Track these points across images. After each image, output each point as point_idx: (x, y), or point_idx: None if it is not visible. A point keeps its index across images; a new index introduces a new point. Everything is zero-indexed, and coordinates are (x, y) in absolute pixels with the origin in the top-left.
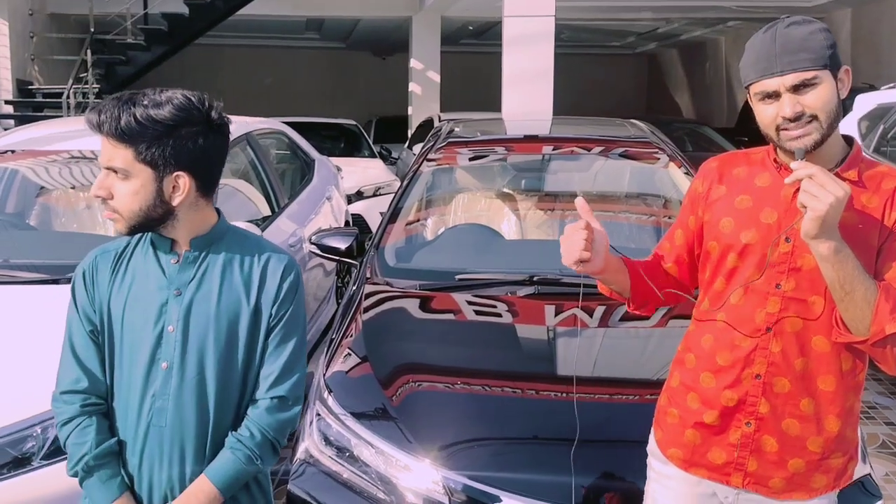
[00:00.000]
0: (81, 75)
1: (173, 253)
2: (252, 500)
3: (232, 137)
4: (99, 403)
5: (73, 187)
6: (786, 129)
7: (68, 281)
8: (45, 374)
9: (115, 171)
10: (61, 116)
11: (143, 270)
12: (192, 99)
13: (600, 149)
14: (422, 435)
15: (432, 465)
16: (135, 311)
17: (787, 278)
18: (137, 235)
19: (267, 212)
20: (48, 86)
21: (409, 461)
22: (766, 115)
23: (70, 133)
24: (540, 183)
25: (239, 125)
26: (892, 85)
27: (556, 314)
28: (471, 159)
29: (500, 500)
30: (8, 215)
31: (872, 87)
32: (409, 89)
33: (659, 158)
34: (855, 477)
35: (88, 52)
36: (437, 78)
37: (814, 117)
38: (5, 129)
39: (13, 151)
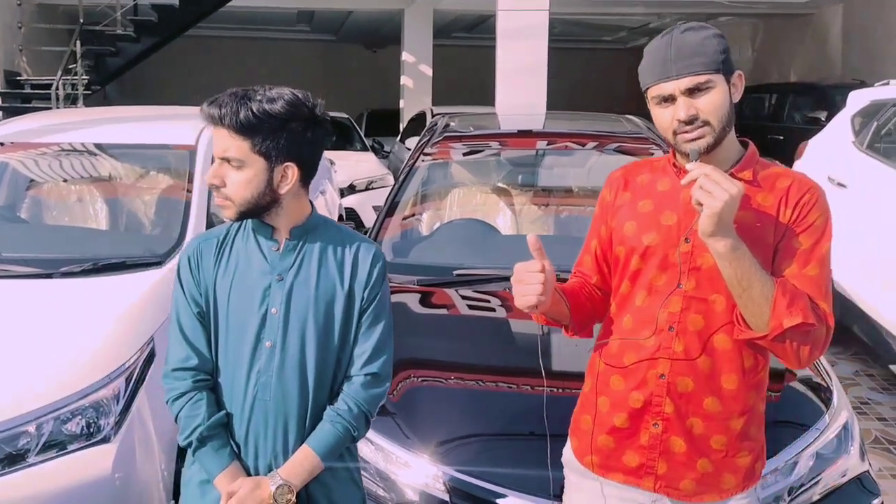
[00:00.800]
0: (70, 66)
1: (274, 240)
2: (345, 466)
3: None
4: (207, 379)
5: (65, 180)
6: (682, 133)
7: (62, 275)
8: (40, 370)
9: (230, 161)
10: (50, 108)
11: (245, 257)
12: (300, 95)
13: (595, 144)
14: (420, 431)
15: (431, 461)
16: (240, 294)
17: (687, 278)
18: (237, 224)
19: None
20: (37, 77)
21: (407, 457)
22: (663, 118)
23: (61, 125)
24: (535, 178)
25: None
26: (885, 82)
27: None
28: (466, 154)
29: (503, 497)
30: None
31: (864, 84)
32: (401, 82)
33: (654, 154)
34: (853, 474)
35: (77, 43)
36: (429, 71)
37: (706, 122)
38: None
39: (2, 144)
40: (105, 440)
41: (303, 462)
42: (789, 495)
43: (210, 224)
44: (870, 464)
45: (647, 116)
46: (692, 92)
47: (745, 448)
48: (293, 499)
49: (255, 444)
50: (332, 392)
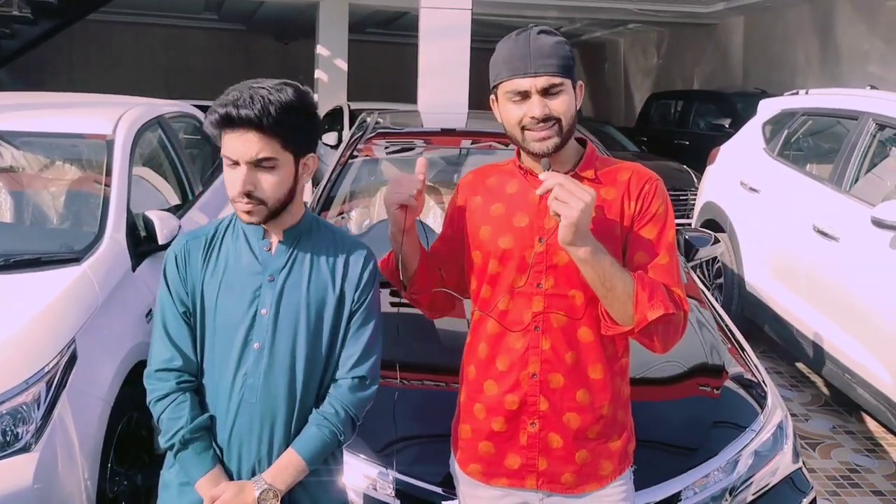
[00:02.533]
0: None
1: (265, 241)
2: (328, 471)
3: (144, 121)
4: (191, 381)
5: None
6: (531, 130)
7: None
8: None
9: (261, 164)
10: None
11: (235, 256)
12: (300, 85)
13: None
14: (370, 433)
15: (370, 461)
16: (229, 294)
17: (545, 277)
18: (227, 222)
19: (176, 200)
20: None
21: (355, 461)
22: (513, 114)
23: None
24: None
25: (150, 107)
26: (794, 91)
27: None
28: (396, 151)
29: (449, 499)
30: None
31: (764, 93)
32: (315, 76)
33: None
34: (784, 474)
35: None
36: (344, 66)
37: (557, 121)
38: None
39: None
40: (25, 449)
41: (287, 466)
42: (730, 495)
43: (130, 219)
44: (803, 462)
45: None
46: (546, 92)
47: (616, 432)
48: (277, 503)
49: (238, 448)
50: (319, 395)
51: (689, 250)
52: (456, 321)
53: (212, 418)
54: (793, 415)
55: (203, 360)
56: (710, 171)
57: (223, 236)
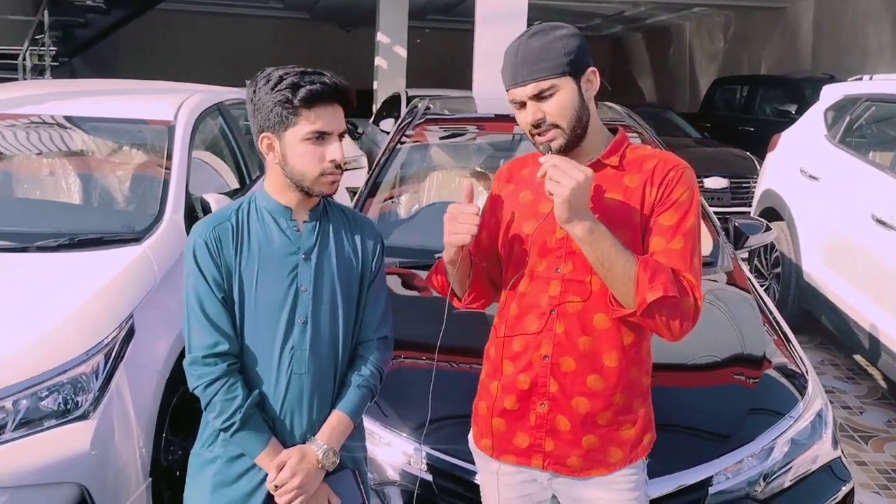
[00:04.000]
0: (38, 37)
1: (293, 221)
2: (359, 429)
3: (204, 107)
4: (237, 362)
5: (39, 153)
6: (535, 135)
7: (38, 249)
8: (16, 345)
9: (341, 136)
10: (17, 79)
11: (266, 239)
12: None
13: None
14: (402, 412)
15: (410, 440)
16: (267, 275)
17: (564, 262)
18: (245, 207)
19: (235, 184)
20: (2, 47)
21: (389, 437)
22: (520, 121)
23: (36, 97)
24: None
25: (210, 94)
26: (858, 77)
27: None
28: (446, 137)
29: (476, 474)
30: None
31: (833, 78)
32: (375, 63)
33: (635, 140)
34: (823, 462)
35: (45, 12)
36: (403, 53)
37: (554, 125)
38: None
39: None
40: (83, 417)
41: (337, 426)
42: (764, 481)
43: (189, 202)
44: (843, 451)
45: (624, 104)
46: (538, 97)
47: (629, 421)
48: (337, 460)
49: (290, 419)
50: (349, 358)
51: (738, 238)
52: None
53: (261, 394)
54: (846, 407)
55: (244, 340)
56: (771, 158)
57: (247, 221)
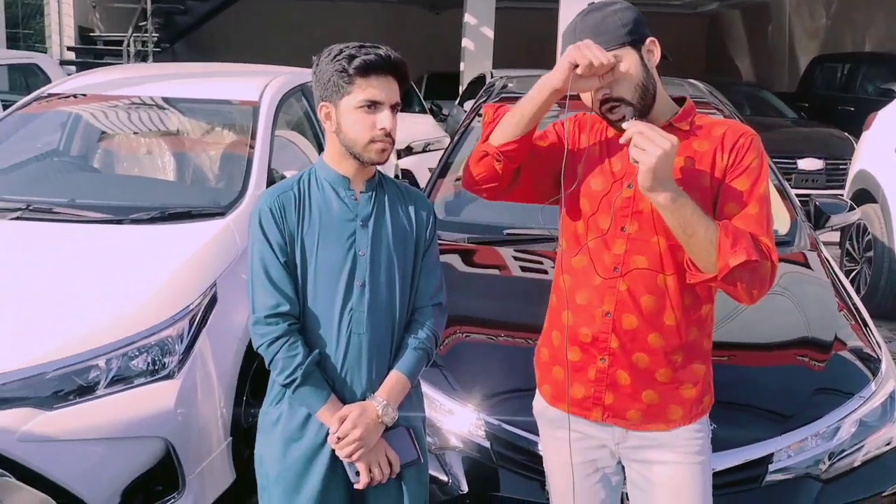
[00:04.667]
0: (141, 24)
1: (350, 191)
2: (417, 397)
3: (288, 88)
4: (297, 322)
5: (136, 133)
6: (607, 112)
7: (131, 222)
8: (109, 309)
9: (394, 108)
10: (122, 64)
11: (326, 206)
12: None
13: None
14: (465, 383)
15: (474, 410)
16: (327, 240)
17: (630, 221)
18: (306, 178)
19: None
20: (108, 33)
21: (452, 405)
22: (586, 97)
23: (132, 79)
24: None
25: (294, 76)
26: None
27: None
28: None
29: (536, 444)
30: (73, 158)
31: None
32: (462, 45)
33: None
34: (895, 444)
35: (148, 0)
36: (490, 34)
37: (620, 99)
38: (68, 75)
39: (76, 96)
40: (169, 376)
41: (396, 385)
42: (829, 460)
43: (271, 179)
44: None
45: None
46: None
47: (689, 381)
48: (396, 416)
49: (350, 377)
50: (406, 322)
51: (818, 218)
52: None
53: (322, 353)
54: None
55: (306, 302)
56: (866, 137)
57: (308, 190)
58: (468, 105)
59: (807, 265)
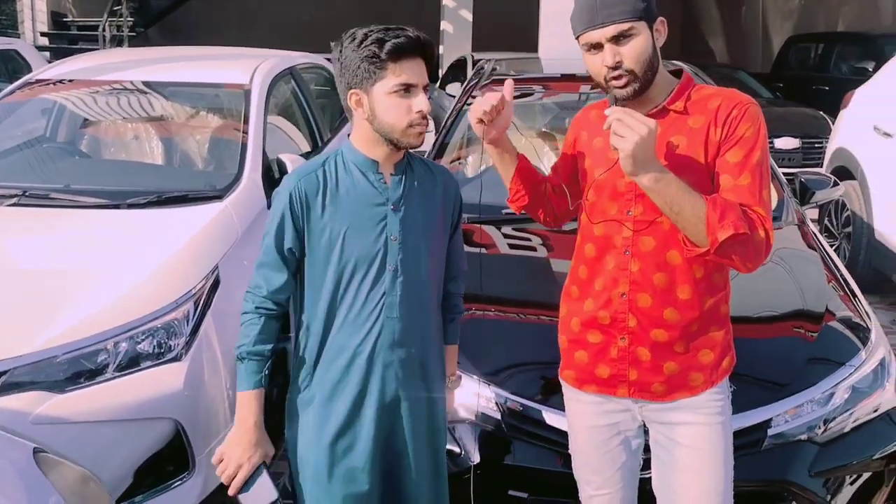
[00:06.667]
0: (115, 8)
1: (380, 174)
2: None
3: (277, 71)
4: (273, 310)
5: (126, 118)
6: (613, 79)
7: (129, 206)
8: (115, 293)
9: (425, 89)
10: (97, 49)
11: (354, 190)
12: None
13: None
14: (472, 356)
15: (486, 384)
16: (358, 226)
17: (635, 204)
18: (332, 161)
19: (307, 146)
20: (82, 18)
21: (464, 380)
22: (594, 65)
23: (119, 64)
24: None
25: (283, 59)
26: None
27: None
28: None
29: (541, 413)
30: (62, 144)
31: None
32: (441, 28)
33: None
34: (885, 409)
35: None
36: (469, 16)
37: (630, 71)
38: (48, 62)
39: (62, 82)
40: (176, 359)
41: (452, 355)
42: (824, 425)
43: (266, 163)
44: None
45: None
46: (617, 39)
47: (706, 346)
48: (460, 382)
49: (384, 362)
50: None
51: (804, 193)
52: (560, 264)
53: (354, 336)
54: None
55: (337, 289)
56: (844, 115)
57: (335, 174)
58: (451, 88)
59: (796, 239)
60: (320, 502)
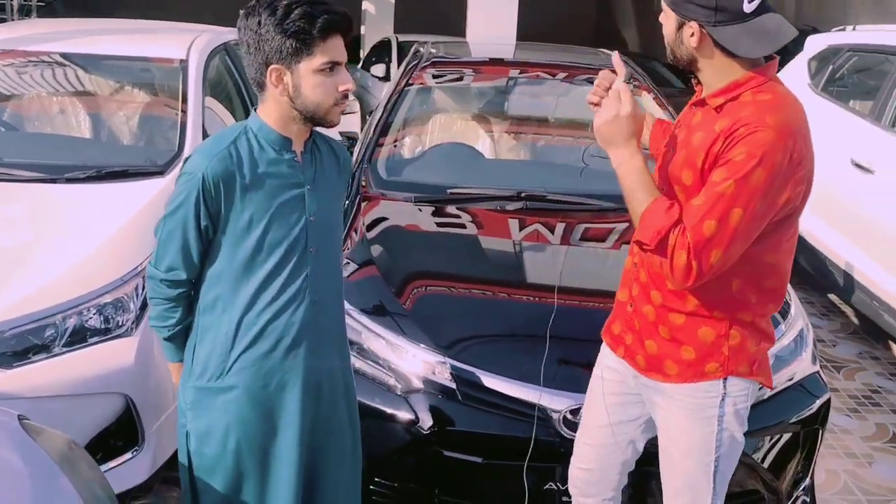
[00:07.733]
0: None
1: (292, 152)
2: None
3: (213, 46)
4: (187, 290)
5: (58, 91)
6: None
7: (67, 181)
8: (61, 269)
9: (344, 66)
10: (4, 20)
11: (272, 171)
12: None
13: (570, 75)
14: (423, 327)
15: (432, 351)
16: (281, 206)
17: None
18: (242, 139)
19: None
20: None
21: (413, 349)
22: (668, 34)
23: (48, 35)
24: (514, 106)
25: (216, 35)
26: (841, 28)
27: (544, 228)
28: (450, 81)
29: (490, 380)
30: None
31: (815, 30)
32: (363, 8)
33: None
34: (802, 376)
35: None
36: None
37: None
38: None
39: None
40: (127, 334)
41: None
42: None
43: (205, 136)
44: (819, 367)
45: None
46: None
47: (689, 343)
48: None
49: (317, 345)
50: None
51: None
52: (501, 242)
53: (281, 318)
54: (821, 341)
55: (260, 273)
56: None
57: (250, 152)
58: (375, 69)
59: None
60: (238, 490)
